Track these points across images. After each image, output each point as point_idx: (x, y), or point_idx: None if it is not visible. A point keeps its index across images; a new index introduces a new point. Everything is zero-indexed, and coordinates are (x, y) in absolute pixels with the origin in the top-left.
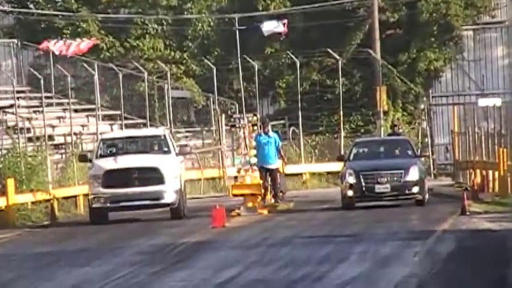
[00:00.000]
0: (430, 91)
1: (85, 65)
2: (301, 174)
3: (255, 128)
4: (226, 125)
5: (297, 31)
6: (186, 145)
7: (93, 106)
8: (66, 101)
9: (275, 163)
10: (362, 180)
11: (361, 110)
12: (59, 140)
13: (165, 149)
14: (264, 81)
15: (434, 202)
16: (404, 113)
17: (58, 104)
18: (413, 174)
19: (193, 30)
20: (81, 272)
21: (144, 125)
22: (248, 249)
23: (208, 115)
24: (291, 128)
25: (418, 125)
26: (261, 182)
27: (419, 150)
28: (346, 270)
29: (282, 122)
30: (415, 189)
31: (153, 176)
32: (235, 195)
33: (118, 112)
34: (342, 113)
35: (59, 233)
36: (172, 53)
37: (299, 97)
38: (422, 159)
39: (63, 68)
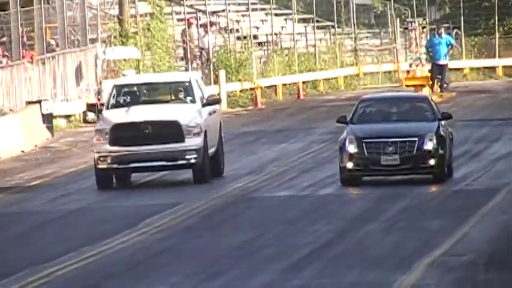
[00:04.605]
0: None
1: None
2: (462, 68)
3: (424, 29)
4: (400, 27)
5: None
6: (214, 94)
7: (290, 11)
8: (268, 6)
9: (444, 60)
10: (365, 149)
11: None
12: (262, 38)
13: (190, 98)
14: None
15: None
16: None
17: (261, 9)
18: (430, 143)
19: None
20: (279, 147)
21: (333, 27)
22: None
23: (386, 19)
24: (454, 30)
25: None
26: (430, 75)
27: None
28: (499, 148)
29: (447, 25)
30: (432, 162)
31: (170, 131)
32: (407, 86)
33: (311, 16)
34: (496, 17)
35: (261, 115)
36: None
37: (461, 4)
38: (445, 122)
39: None
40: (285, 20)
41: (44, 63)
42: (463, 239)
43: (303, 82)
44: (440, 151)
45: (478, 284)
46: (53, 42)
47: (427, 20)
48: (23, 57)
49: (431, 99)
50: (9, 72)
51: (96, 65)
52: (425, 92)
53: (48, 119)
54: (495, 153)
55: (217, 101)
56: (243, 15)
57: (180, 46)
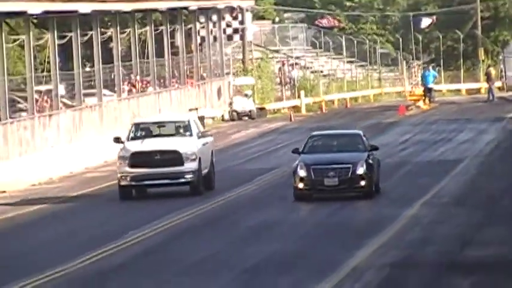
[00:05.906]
0: (504, 50)
1: (340, 38)
2: (441, 90)
3: (419, 66)
4: (405, 65)
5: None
6: (207, 131)
7: (342, 56)
8: (328, 53)
9: (432, 84)
10: (312, 173)
11: (471, 59)
12: (325, 72)
13: (188, 133)
14: (424, 46)
15: (505, 104)
16: (492, 60)
17: (325, 55)
18: (361, 168)
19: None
20: None
21: (366, 65)
22: (415, 126)
23: (397, 60)
24: (437, 68)
25: (498, 65)
26: (423, 93)
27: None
28: (463, 136)
29: (433, 64)
30: (363, 183)
31: (173, 157)
32: (410, 100)
33: (354, 59)
34: (462, 60)
35: (324, 117)
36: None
37: (441, 53)
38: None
39: (328, 37)
40: (339, 61)
41: (199, 86)
42: (443, 188)
43: (350, 98)
44: (369, 174)
45: (451, 215)
46: (204, 74)
47: (421, 61)
48: (186, 83)
49: (363, 135)
50: (179, 92)
51: (229, 88)
52: (420, 103)
53: (201, 119)
54: (461, 139)
55: (210, 135)
56: (314, 59)
57: (278, 77)
